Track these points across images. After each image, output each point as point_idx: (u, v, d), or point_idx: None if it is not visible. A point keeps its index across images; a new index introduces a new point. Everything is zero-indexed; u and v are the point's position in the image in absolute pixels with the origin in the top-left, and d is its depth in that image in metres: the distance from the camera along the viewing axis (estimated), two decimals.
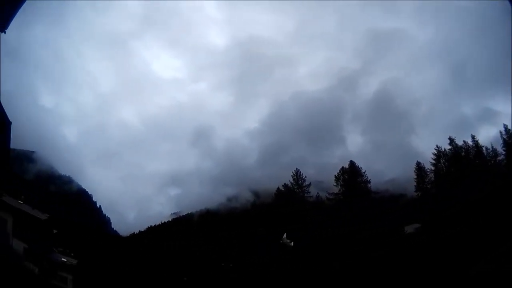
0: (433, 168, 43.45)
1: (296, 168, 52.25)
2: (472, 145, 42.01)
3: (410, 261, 28.49)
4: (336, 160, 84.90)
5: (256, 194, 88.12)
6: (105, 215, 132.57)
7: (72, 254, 59.47)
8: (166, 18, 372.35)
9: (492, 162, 50.50)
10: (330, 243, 35.22)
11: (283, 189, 53.42)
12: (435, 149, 44.64)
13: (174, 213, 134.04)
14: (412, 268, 27.54)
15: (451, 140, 44.10)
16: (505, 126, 53.96)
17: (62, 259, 47.04)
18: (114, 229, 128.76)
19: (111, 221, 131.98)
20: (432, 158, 43.84)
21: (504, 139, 51.65)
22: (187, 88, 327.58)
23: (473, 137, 42.99)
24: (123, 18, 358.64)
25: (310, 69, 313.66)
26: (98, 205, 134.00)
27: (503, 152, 51.49)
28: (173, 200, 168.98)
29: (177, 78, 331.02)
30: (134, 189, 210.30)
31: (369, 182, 47.67)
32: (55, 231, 47.07)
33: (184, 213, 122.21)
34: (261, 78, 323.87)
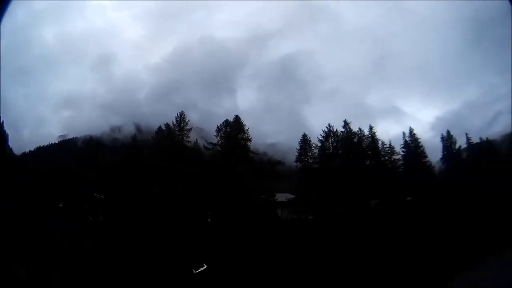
0: (319, 144, 43.40)
1: (181, 110, 48.46)
2: (368, 135, 42.41)
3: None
4: (223, 111, 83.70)
5: (138, 129, 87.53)
6: (5, 131, 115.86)
7: None
8: None
9: (387, 158, 52.49)
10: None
11: (164, 128, 49.93)
12: (326, 127, 44.07)
13: (61, 135, 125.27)
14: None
15: (346, 123, 43.28)
16: (411, 130, 55.89)
17: None
18: (10, 146, 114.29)
19: (9, 138, 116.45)
20: (321, 135, 43.71)
21: (406, 141, 53.02)
22: (108, 15, 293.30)
23: (371, 127, 43.36)
24: None
25: (228, 18, 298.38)
26: (1, 121, 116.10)
27: (402, 153, 53.59)
28: (64, 122, 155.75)
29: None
30: (35, 107, 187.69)
31: (250, 140, 46.82)
32: None
33: (70, 137, 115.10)
34: (179, 17, 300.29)
